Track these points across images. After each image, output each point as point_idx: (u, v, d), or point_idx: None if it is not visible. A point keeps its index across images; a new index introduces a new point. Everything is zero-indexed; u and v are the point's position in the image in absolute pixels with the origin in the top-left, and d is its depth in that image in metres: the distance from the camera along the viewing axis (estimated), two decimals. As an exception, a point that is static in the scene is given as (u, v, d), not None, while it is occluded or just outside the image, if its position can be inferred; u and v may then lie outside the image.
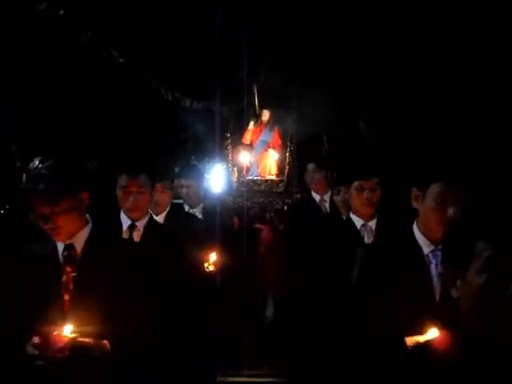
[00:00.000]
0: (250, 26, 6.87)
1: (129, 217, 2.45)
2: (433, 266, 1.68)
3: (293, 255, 3.34)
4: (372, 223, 2.65)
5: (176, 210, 3.40)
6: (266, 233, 5.94)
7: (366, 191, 2.57)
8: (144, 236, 2.43)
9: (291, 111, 8.90)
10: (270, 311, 5.72)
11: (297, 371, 3.42)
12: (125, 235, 2.41)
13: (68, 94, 6.40)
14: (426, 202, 1.68)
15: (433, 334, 1.50)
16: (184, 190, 3.56)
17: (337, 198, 3.24)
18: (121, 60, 6.83)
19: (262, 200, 8.55)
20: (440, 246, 1.63)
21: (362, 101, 7.35)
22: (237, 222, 5.85)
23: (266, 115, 9.08)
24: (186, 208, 3.57)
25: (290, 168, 8.98)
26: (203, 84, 7.53)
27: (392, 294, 1.62)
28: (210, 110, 8.53)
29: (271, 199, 8.52)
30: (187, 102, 8.47)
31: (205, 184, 4.53)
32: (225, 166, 8.89)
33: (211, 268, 3.18)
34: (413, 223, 1.76)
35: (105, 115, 6.74)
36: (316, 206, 4.09)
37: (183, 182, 3.56)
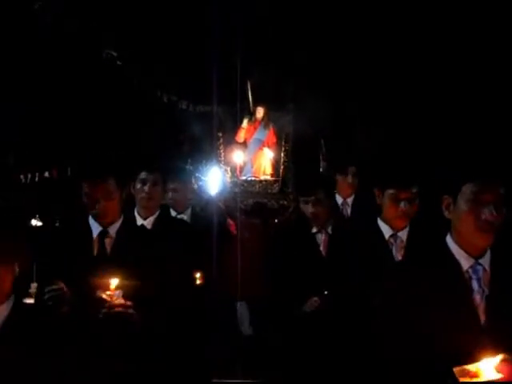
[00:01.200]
0: (246, 23, 7.11)
1: (99, 222, 2.32)
2: (474, 283, 1.60)
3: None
4: (402, 233, 2.49)
5: (164, 215, 3.32)
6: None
7: (402, 202, 2.40)
8: (117, 243, 2.32)
9: (287, 109, 9.10)
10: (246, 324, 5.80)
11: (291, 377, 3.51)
12: (95, 243, 2.29)
13: (65, 95, 6.66)
14: (458, 207, 1.61)
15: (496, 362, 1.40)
16: (170, 194, 3.47)
17: (307, 209, 3.06)
18: (118, 62, 7.10)
19: (256, 201, 8.75)
20: (480, 260, 1.61)
21: (360, 101, 7.60)
22: (232, 225, 6.04)
23: (260, 112, 9.13)
24: (173, 214, 3.49)
25: (284, 168, 9.14)
26: (199, 86, 7.79)
27: (429, 316, 1.53)
28: (207, 113, 8.78)
29: (266, 200, 8.64)
30: (184, 105, 8.74)
31: (194, 187, 4.65)
32: (218, 167, 9.02)
33: (196, 282, 3.18)
34: (446, 235, 1.69)
35: (102, 116, 7.01)
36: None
37: (169, 185, 3.45)
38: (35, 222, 6.39)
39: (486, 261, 1.62)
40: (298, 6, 7.12)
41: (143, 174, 3.04)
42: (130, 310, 2.08)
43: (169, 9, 6.92)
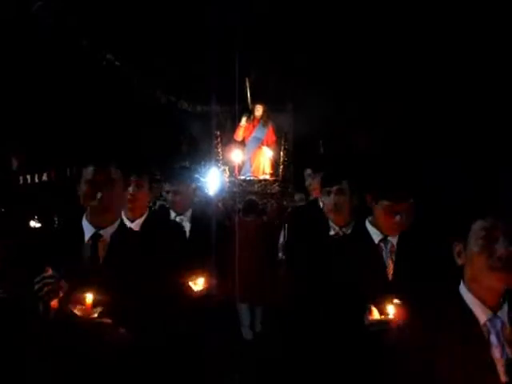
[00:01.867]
0: (246, 23, 7.26)
1: (93, 224, 2.16)
2: (492, 337, 1.49)
3: (298, 268, 3.07)
4: (393, 237, 2.42)
5: (157, 217, 3.33)
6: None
7: (398, 215, 2.30)
8: (111, 248, 2.16)
9: (286, 108, 9.27)
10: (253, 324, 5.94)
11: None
12: (88, 247, 2.14)
13: (64, 97, 6.81)
14: (469, 249, 1.51)
15: None
16: (171, 196, 3.43)
17: (329, 201, 2.90)
18: (117, 63, 7.26)
19: (248, 199, 8.80)
20: (498, 313, 1.51)
21: (360, 101, 7.75)
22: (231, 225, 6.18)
23: (259, 110, 9.29)
24: (173, 215, 3.45)
25: (284, 167, 9.25)
26: (199, 86, 7.95)
27: (444, 373, 1.47)
28: (206, 113, 8.95)
29: (265, 200, 8.71)
30: (183, 105, 8.90)
31: (195, 187, 4.64)
32: (216, 167, 9.16)
33: (198, 288, 3.11)
34: (459, 283, 1.59)
35: (101, 117, 7.16)
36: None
37: (170, 186, 3.44)
38: (34, 224, 6.52)
39: (503, 312, 1.51)
40: (297, 6, 7.26)
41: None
42: (108, 330, 1.93)
43: (167, 9, 7.07)
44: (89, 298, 1.90)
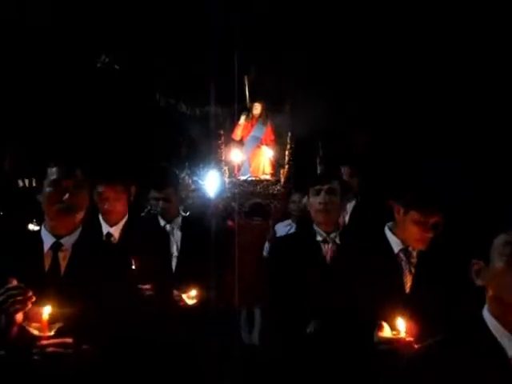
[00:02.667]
0: (247, 21, 7.36)
1: (53, 232, 2.06)
2: None
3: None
4: (414, 249, 2.35)
5: (141, 223, 3.37)
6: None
7: (430, 229, 2.22)
8: (72, 259, 2.06)
9: (285, 107, 9.33)
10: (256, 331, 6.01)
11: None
12: (47, 258, 2.04)
13: (61, 100, 6.92)
14: (491, 267, 1.35)
15: None
16: (160, 204, 3.41)
17: (317, 201, 2.81)
18: (116, 66, 7.36)
19: (254, 202, 8.72)
20: None
21: (361, 101, 7.87)
22: (232, 226, 6.15)
23: (257, 109, 9.32)
24: (162, 223, 3.44)
25: (289, 167, 9.21)
26: (197, 87, 8.05)
27: None
28: (205, 114, 9.04)
29: (268, 201, 8.71)
30: (182, 107, 9.01)
31: (193, 189, 4.57)
32: (218, 167, 9.18)
33: (191, 301, 3.14)
34: (482, 308, 1.40)
35: (99, 121, 7.28)
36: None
37: (158, 194, 3.42)
38: (32, 227, 6.64)
39: None
40: (297, 6, 7.34)
41: (101, 188, 3.00)
42: (69, 350, 1.79)
43: (165, 11, 7.16)
44: (45, 313, 1.78)
